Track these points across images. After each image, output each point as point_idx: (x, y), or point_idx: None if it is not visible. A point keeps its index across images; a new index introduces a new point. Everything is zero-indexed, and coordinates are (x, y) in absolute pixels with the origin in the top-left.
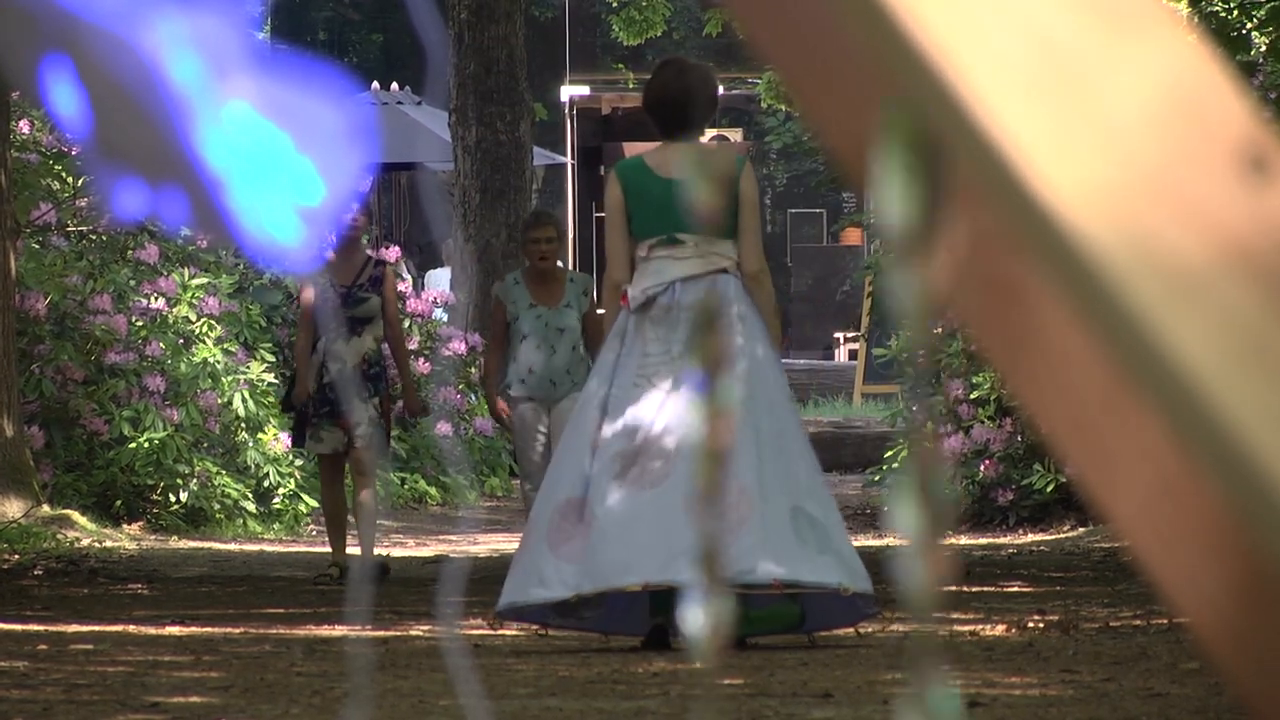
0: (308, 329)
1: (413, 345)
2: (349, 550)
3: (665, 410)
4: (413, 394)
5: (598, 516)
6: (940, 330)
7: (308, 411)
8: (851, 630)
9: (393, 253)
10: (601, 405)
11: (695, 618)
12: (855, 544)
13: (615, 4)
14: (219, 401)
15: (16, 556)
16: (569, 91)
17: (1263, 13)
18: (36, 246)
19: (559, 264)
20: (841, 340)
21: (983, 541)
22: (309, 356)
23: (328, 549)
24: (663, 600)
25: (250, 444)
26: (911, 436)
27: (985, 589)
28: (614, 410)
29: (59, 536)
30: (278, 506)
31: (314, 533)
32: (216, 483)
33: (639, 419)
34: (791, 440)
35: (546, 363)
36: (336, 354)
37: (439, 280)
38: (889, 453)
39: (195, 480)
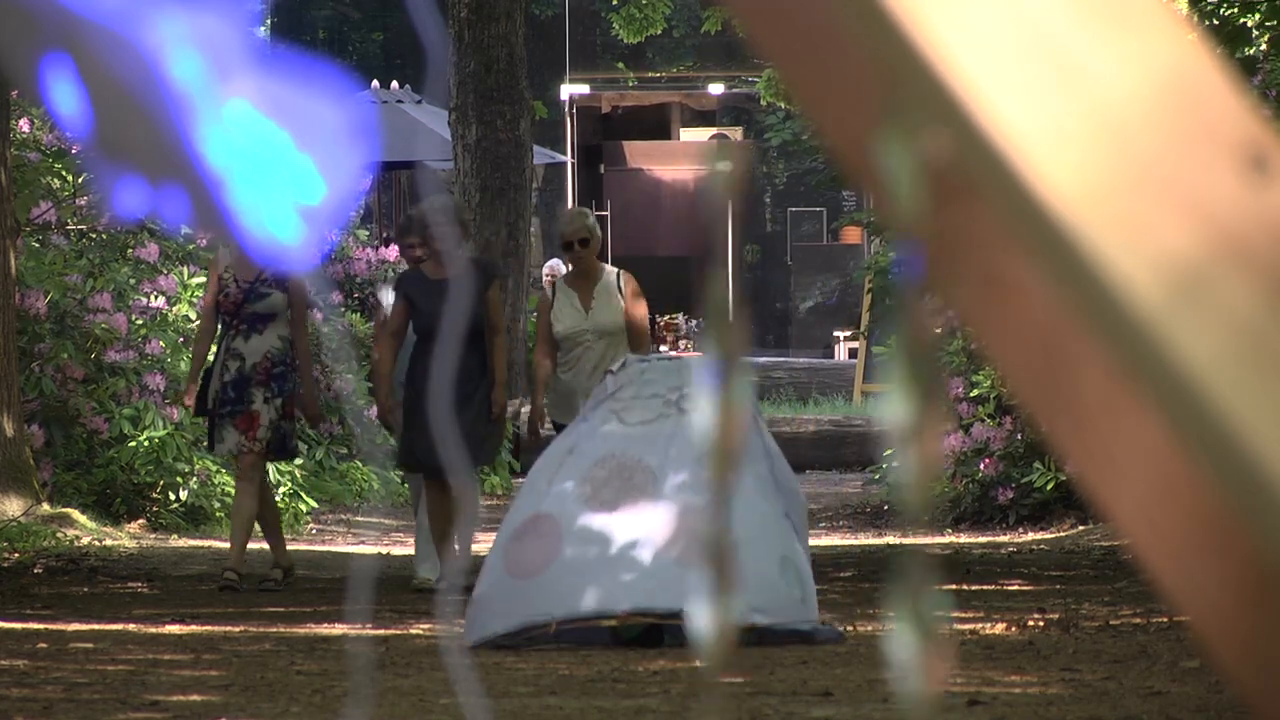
0: (207, 325)
1: None
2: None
3: (637, 441)
4: (311, 397)
5: (567, 538)
6: (940, 329)
7: (214, 412)
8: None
9: (393, 252)
10: (570, 448)
11: (702, 622)
12: (855, 543)
13: (615, 2)
14: None
15: (17, 555)
16: (569, 90)
17: (1263, 9)
18: (37, 245)
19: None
20: (841, 339)
21: (983, 540)
22: (206, 353)
23: (328, 548)
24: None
25: None
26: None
27: (985, 587)
28: (584, 444)
29: (59, 535)
30: (278, 505)
31: (314, 531)
32: (216, 481)
33: (611, 448)
34: (784, 480)
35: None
36: (236, 352)
37: None
38: (888, 451)
39: (195, 479)
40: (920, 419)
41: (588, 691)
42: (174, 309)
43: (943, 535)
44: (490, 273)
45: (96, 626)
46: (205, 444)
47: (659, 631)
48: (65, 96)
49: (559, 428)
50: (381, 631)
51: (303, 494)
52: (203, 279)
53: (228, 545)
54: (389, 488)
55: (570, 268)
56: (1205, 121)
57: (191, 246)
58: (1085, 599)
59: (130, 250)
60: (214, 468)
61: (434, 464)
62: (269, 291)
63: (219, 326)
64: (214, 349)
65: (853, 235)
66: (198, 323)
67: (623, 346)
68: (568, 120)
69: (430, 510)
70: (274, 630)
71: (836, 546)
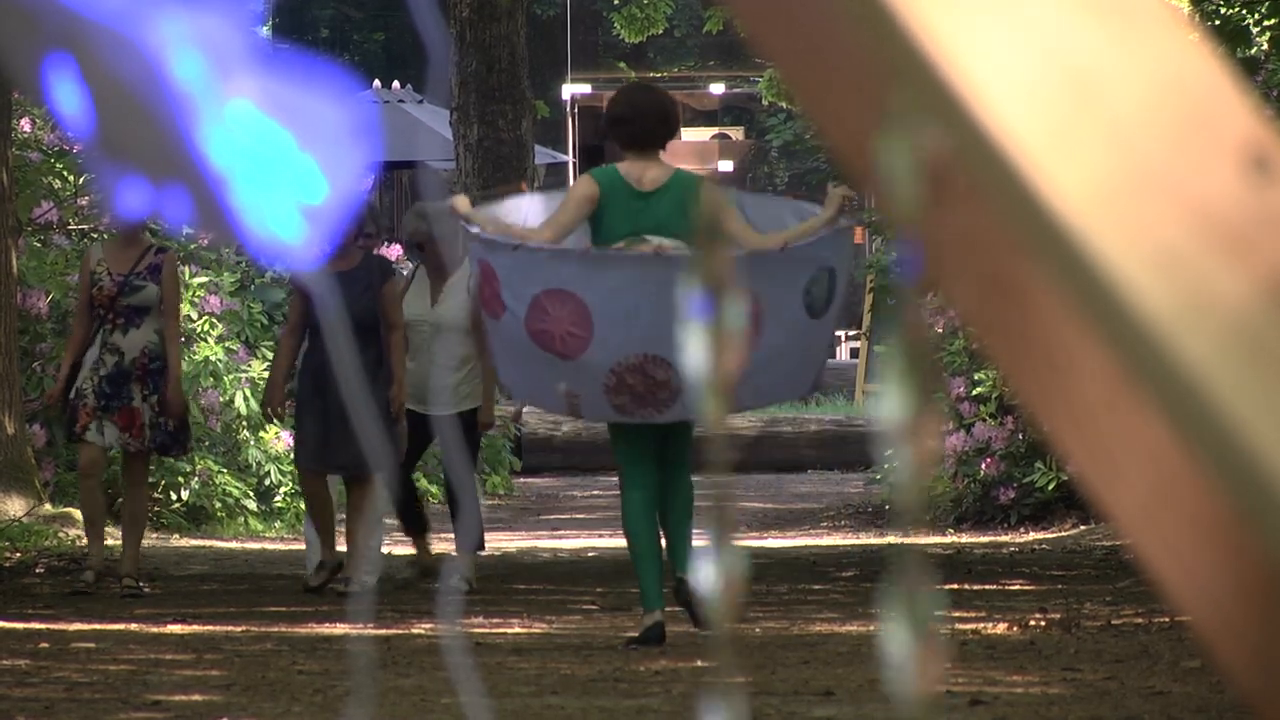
0: (81, 321)
1: None
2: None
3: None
4: (176, 393)
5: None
6: (939, 328)
7: (78, 403)
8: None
9: (394, 251)
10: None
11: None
12: (857, 543)
13: (617, 1)
14: (220, 400)
15: (18, 555)
16: (570, 89)
17: (1265, 9)
18: (38, 245)
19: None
20: (843, 338)
21: (984, 540)
22: (77, 350)
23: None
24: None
25: (252, 442)
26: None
27: (987, 587)
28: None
29: (60, 535)
30: (279, 505)
31: None
32: (218, 481)
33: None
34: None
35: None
36: (114, 346)
37: None
38: (889, 451)
39: (197, 479)
40: (917, 418)
41: (589, 691)
42: None
43: (944, 535)
44: (387, 268)
45: (98, 626)
46: (64, 433)
47: (662, 629)
48: (67, 96)
49: (409, 413)
50: (383, 631)
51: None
52: (205, 279)
53: (109, 545)
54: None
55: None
56: (1207, 121)
57: (194, 246)
58: (1087, 599)
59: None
60: (215, 468)
61: (340, 462)
62: (144, 284)
63: (94, 321)
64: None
65: (855, 235)
66: (200, 322)
67: (460, 345)
68: (569, 120)
69: (311, 503)
70: (275, 630)
71: (838, 546)
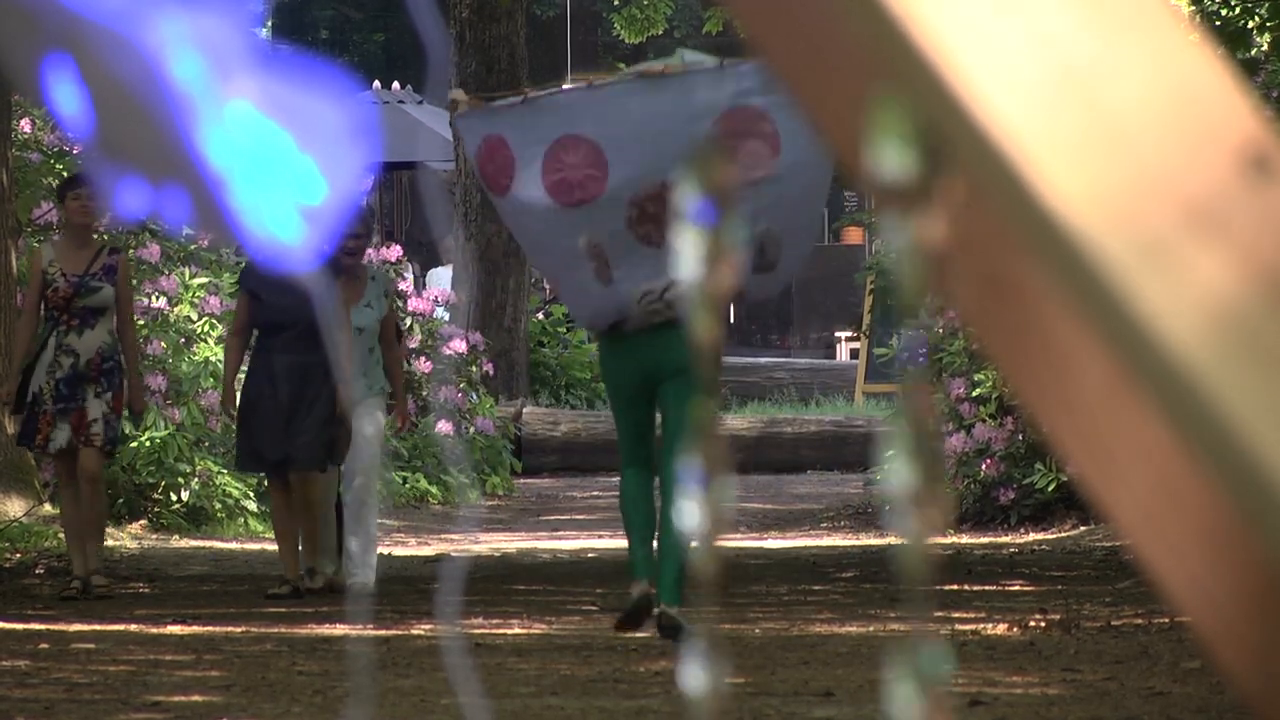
0: (29, 321)
1: (414, 343)
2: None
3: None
4: (137, 391)
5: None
6: (941, 328)
7: (37, 410)
8: None
9: (394, 251)
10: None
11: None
12: (857, 543)
13: (617, 2)
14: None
15: (18, 555)
16: None
17: (1265, 10)
18: (38, 245)
19: (364, 262)
20: (843, 339)
21: (984, 540)
22: (29, 349)
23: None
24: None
25: None
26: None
27: (987, 588)
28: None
29: (60, 535)
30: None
31: None
32: (218, 482)
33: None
34: None
35: None
36: (69, 348)
37: (441, 279)
38: (889, 451)
39: (196, 479)
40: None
41: (589, 692)
42: (175, 309)
43: (944, 536)
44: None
45: (98, 627)
46: (20, 438)
47: (650, 599)
48: (67, 97)
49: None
50: (383, 632)
51: None
52: (205, 279)
53: (69, 549)
54: (389, 487)
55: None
56: (1206, 122)
57: (193, 247)
58: (1086, 599)
59: (131, 251)
60: (215, 468)
61: (275, 459)
62: (100, 285)
63: (46, 322)
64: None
65: (854, 235)
66: (200, 323)
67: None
68: None
69: (275, 509)
70: (275, 631)
71: (838, 547)
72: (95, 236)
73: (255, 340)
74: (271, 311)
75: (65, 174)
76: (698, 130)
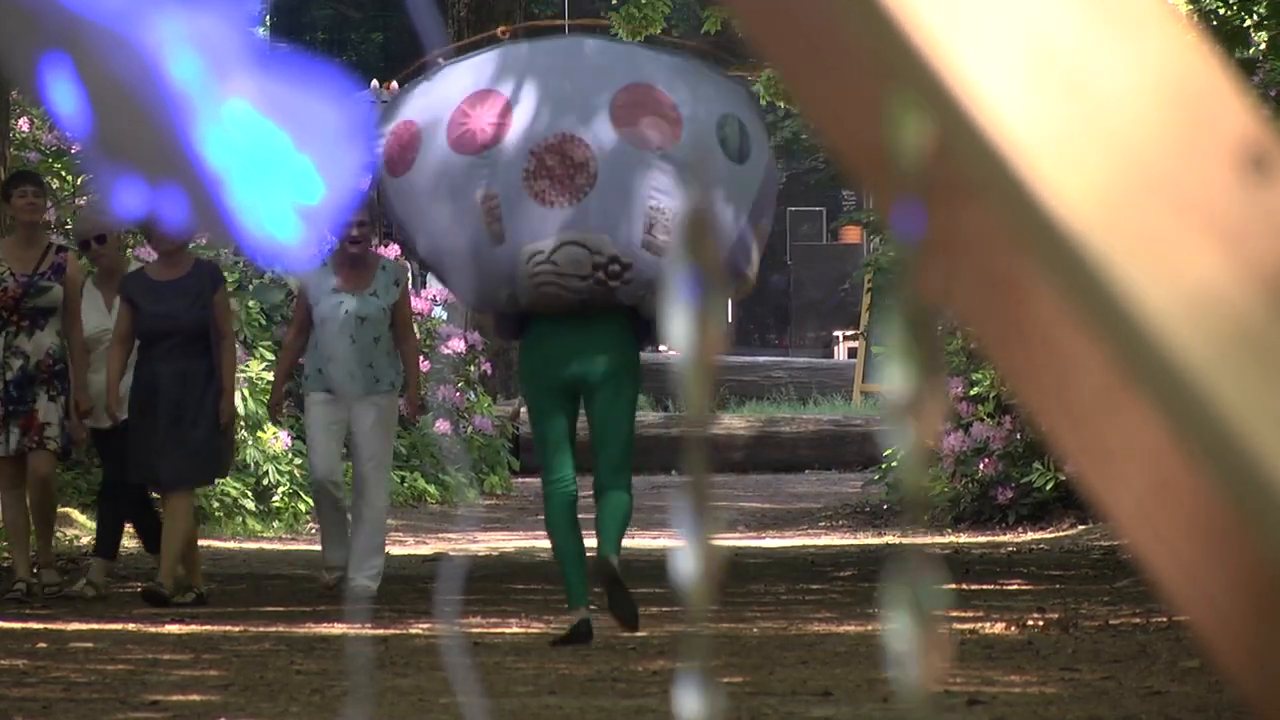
0: None
1: None
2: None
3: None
4: (83, 393)
5: None
6: (940, 328)
7: None
8: None
9: (392, 251)
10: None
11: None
12: (855, 543)
13: (615, 1)
14: None
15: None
16: None
17: (1263, 8)
18: None
19: (371, 250)
20: (841, 338)
21: (982, 539)
22: None
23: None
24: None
25: (250, 442)
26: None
27: (985, 587)
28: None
29: (59, 535)
30: (277, 505)
31: (313, 531)
32: (217, 482)
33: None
34: None
35: (345, 353)
36: (19, 349)
37: None
38: (888, 450)
39: None
40: (920, 390)
41: (587, 691)
42: None
43: (942, 535)
44: (217, 276)
45: (96, 626)
46: None
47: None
48: (64, 96)
49: (98, 431)
50: (381, 631)
51: (302, 494)
52: None
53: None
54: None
55: (98, 267)
56: (1205, 121)
57: (192, 247)
58: (1085, 599)
59: (129, 250)
60: None
61: (150, 475)
62: (49, 285)
63: None
64: None
65: (853, 235)
66: None
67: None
68: None
69: (168, 516)
70: (273, 630)
71: (836, 546)
72: (44, 235)
73: (137, 349)
74: (150, 320)
75: (63, 173)
76: (601, 94)
